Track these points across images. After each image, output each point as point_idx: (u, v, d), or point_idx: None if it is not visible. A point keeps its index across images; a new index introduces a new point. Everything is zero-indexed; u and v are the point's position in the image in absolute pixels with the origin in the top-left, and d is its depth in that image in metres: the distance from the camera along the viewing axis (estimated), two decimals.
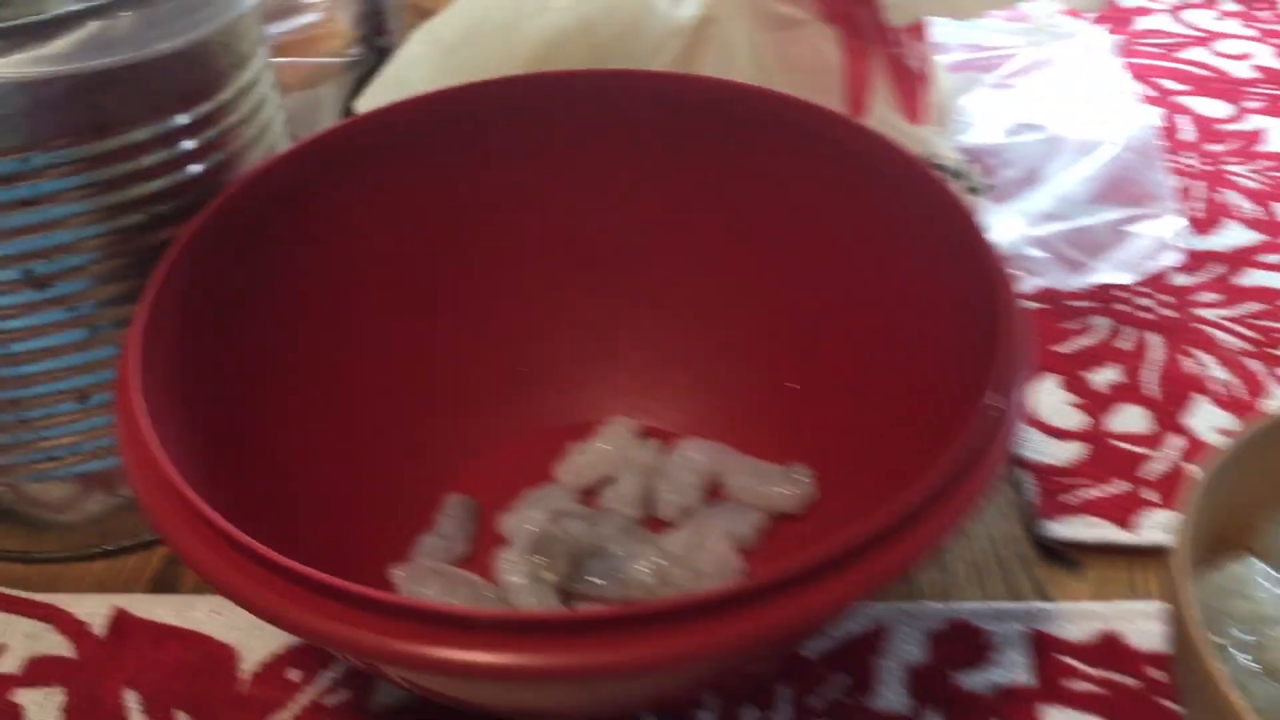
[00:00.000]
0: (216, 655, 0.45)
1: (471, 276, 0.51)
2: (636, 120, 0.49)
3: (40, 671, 0.45)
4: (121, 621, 0.47)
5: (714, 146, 0.49)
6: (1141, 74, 0.85)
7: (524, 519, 0.47)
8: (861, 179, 0.46)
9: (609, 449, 0.50)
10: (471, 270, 0.51)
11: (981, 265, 0.40)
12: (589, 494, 0.50)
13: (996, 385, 0.35)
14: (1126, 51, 0.88)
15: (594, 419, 0.52)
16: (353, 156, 0.47)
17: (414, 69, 0.56)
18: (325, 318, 0.48)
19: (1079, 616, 0.45)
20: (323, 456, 0.46)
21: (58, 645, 0.46)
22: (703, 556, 0.45)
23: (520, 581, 0.44)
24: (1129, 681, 0.43)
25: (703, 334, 0.52)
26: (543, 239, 0.51)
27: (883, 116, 0.53)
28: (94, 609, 0.47)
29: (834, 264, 0.47)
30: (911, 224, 0.44)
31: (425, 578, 0.44)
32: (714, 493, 0.50)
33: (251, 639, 0.46)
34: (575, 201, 0.51)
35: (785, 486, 0.48)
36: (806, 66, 0.52)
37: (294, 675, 0.44)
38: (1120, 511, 0.50)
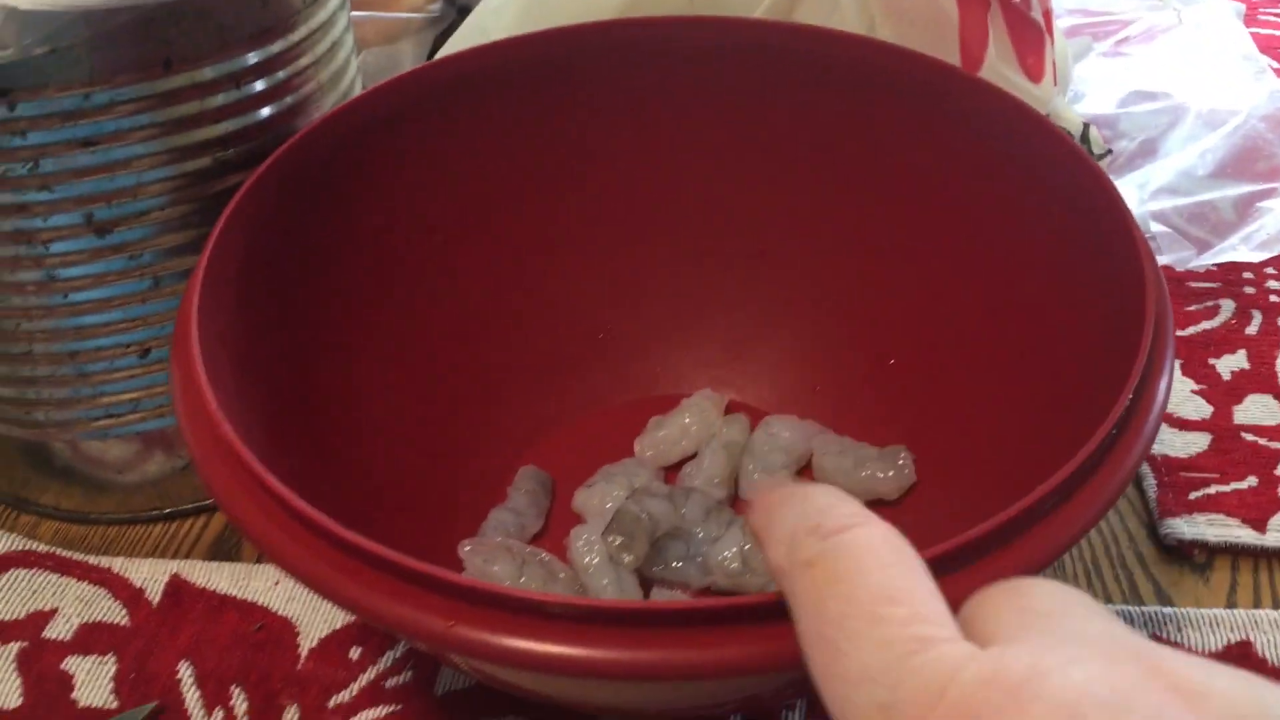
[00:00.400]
0: (275, 629, 0.43)
1: (552, 234, 0.47)
2: (731, 72, 0.46)
3: (92, 639, 0.43)
4: (178, 589, 0.45)
5: (816, 101, 0.45)
6: (1265, 45, 0.79)
7: (601, 495, 0.44)
8: (980, 140, 0.42)
9: (692, 423, 0.47)
10: (553, 227, 0.47)
11: (1121, 240, 0.36)
12: (671, 470, 0.47)
13: (1136, 378, 0.31)
14: (1248, 21, 0.82)
15: (678, 392, 0.48)
16: (428, 105, 0.44)
17: (496, 19, 0.53)
18: (397, 275, 0.45)
19: (1206, 624, 0.41)
20: (392, 423, 0.44)
21: (111, 612, 0.44)
22: None
23: (596, 562, 0.41)
24: None
25: (797, 304, 0.48)
26: (628, 197, 0.48)
27: (998, 73, 0.49)
28: (150, 574, 0.45)
29: (946, 230, 0.44)
30: (1038, 191, 0.40)
31: (495, 554, 0.41)
32: (804, 474, 0.46)
33: (313, 613, 0.43)
34: (664, 158, 0.47)
35: (882, 470, 0.44)
36: (916, 15, 0.48)
37: (355, 653, 0.42)
38: (1249, 510, 0.46)
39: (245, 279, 0.38)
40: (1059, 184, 0.39)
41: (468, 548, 0.41)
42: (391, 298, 0.45)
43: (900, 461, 0.44)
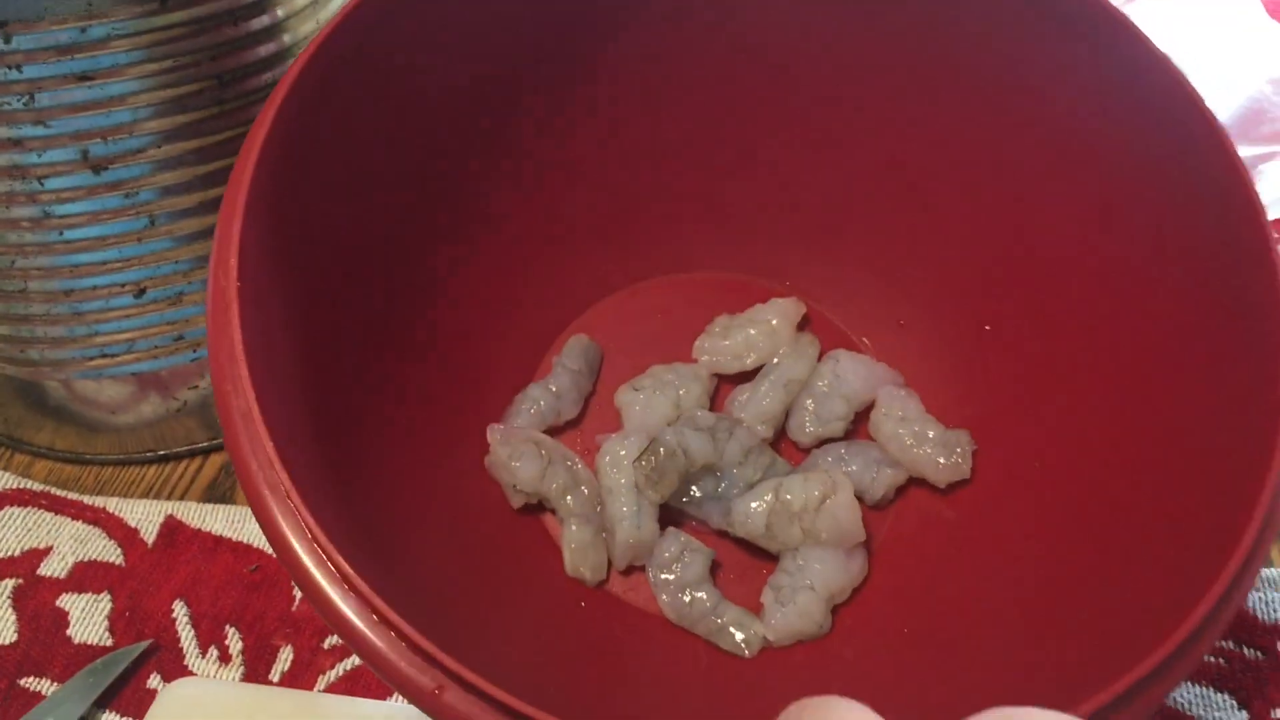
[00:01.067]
0: (270, 570, 0.43)
1: (645, 83, 0.42)
2: None
3: (87, 577, 0.43)
4: (173, 530, 0.45)
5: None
6: (1273, 6, 0.78)
7: (645, 404, 0.43)
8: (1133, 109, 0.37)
9: (759, 337, 0.45)
10: (650, 76, 0.42)
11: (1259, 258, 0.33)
12: (726, 381, 0.45)
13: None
14: None
15: (756, 287, 0.46)
16: None
17: None
18: (461, 114, 0.40)
19: None
20: (443, 267, 0.41)
21: (106, 551, 0.44)
22: (823, 520, 0.39)
23: (621, 484, 0.40)
24: (1252, 654, 0.40)
25: (912, 228, 0.44)
26: (752, 69, 0.43)
27: None
28: (145, 515, 0.45)
29: (1087, 202, 0.39)
30: (1184, 189, 0.37)
31: (522, 450, 0.40)
32: (861, 420, 0.44)
33: None
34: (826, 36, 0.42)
35: (943, 454, 0.41)
36: None
37: None
38: None
39: (288, 157, 0.33)
40: (1197, 170, 0.36)
41: (497, 435, 0.41)
42: (452, 134, 0.41)
43: (959, 451, 0.41)
